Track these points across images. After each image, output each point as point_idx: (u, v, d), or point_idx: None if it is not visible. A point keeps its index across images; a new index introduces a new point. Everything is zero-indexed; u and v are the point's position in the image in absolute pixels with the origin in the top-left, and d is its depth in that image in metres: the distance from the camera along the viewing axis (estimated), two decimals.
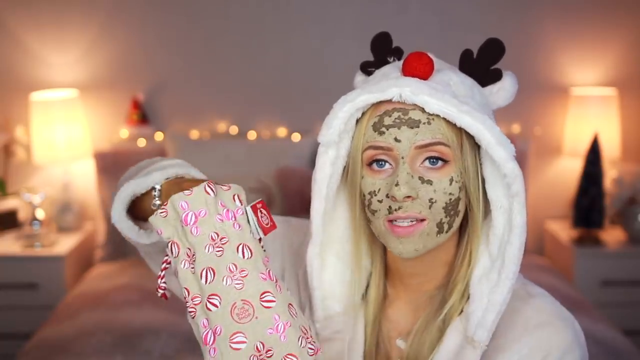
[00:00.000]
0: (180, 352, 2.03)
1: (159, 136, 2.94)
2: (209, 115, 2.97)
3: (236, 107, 2.97)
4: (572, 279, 2.68)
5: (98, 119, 2.94)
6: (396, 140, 0.84)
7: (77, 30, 2.89)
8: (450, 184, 0.85)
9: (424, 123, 0.84)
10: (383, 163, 0.86)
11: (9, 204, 2.83)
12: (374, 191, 0.86)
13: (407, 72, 0.85)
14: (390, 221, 0.85)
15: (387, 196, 0.85)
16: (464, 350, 0.87)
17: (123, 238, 0.92)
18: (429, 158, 0.85)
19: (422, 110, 0.84)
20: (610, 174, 2.84)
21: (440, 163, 0.84)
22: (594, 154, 2.66)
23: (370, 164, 0.87)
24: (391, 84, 0.84)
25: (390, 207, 0.85)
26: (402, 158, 0.84)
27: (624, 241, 2.76)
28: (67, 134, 2.74)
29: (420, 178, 0.84)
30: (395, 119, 0.84)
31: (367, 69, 0.95)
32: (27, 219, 2.70)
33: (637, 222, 2.71)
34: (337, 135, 0.88)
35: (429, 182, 0.84)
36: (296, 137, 2.90)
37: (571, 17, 2.92)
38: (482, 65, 0.90)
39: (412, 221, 0.84)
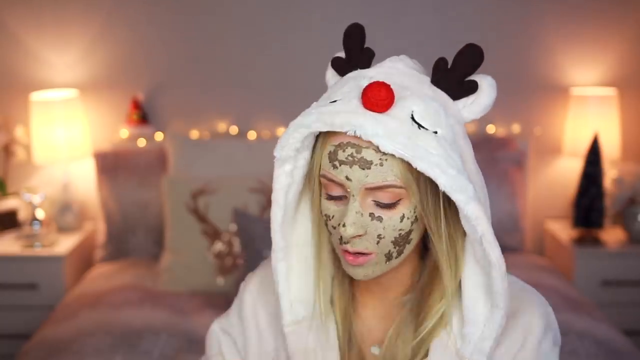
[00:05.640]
0: (180, 352, 2.03)
1: (159, 136, 2.94)
2: (209, 115, 2.97)
3: (236, 107, 2.97)
4: (572, 279, 2.68)
5: (98, 119, 2.94)
6: (347, 178, 0.82)
7: (77, 30, 2.89)
8: (401, 221, 0.83)
9: (376, 164, 0.80)
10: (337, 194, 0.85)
11: (9, 204, 2.83)
12: (329, 216, 0.86)
13: (365, 104, 0.80)
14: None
15: (339, 224, 0.84)
16: None
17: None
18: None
19: (377, 149, 0.80)
20: (610, 174, 2.84)
21: (389, 203, 0.82)
22: (594, 154, 2.66)
23: (326, 190, 0.86)
24: (347, 119, 0.80)
25: (341, 237, 0.85)
26: (353, 196, 0.83)
27: (624, 241, 2.75)
28: (67, 134, 2.74)
29: (370, 214, 0.83)
30: (349, 155, 0.81)
31: (339, 64, 0.92)
32: (27, 219, 2.70)
33: (637, 222, 2.71)
34: (292, 151, 0.88)
35: (379, 218, 0.83)
36: None
37: (571, 17, 2.92)
38: (456, 76, 0.84)
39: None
